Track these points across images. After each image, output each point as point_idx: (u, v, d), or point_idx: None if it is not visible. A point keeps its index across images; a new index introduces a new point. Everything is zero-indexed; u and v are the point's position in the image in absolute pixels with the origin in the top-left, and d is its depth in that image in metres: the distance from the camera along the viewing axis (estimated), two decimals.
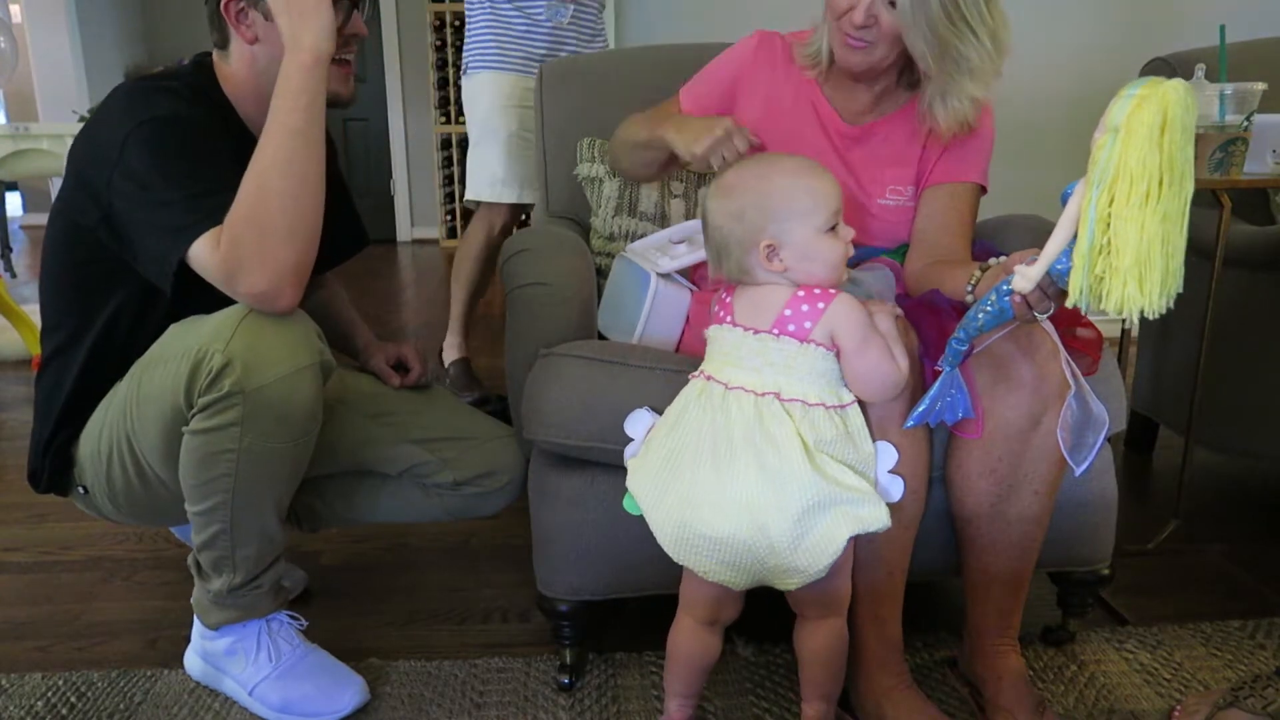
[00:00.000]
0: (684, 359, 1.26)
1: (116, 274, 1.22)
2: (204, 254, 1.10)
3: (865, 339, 1.06)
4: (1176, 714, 1.24)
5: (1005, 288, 1.01)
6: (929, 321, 1.20)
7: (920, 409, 1.09)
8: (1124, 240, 0.86)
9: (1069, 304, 0.92)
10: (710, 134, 1.24)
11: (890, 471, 1.10)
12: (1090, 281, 0.89)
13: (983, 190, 1.44)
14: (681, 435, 1.09)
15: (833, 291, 1.08)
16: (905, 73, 1.39)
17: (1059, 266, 0.94)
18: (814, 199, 1.08)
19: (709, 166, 1.26)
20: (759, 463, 1.02)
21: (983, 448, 1.19)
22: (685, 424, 1.09)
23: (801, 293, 1.08)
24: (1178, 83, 0.84)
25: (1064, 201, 0.93)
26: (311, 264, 1.14)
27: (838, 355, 1.07)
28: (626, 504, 1.14)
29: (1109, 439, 1.33)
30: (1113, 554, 1.37)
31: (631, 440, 1.18)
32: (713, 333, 1.14)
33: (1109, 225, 0.87)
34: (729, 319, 1.11)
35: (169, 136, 1.15)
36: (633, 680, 1.37)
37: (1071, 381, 1.15)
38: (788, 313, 1.07)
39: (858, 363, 1.07)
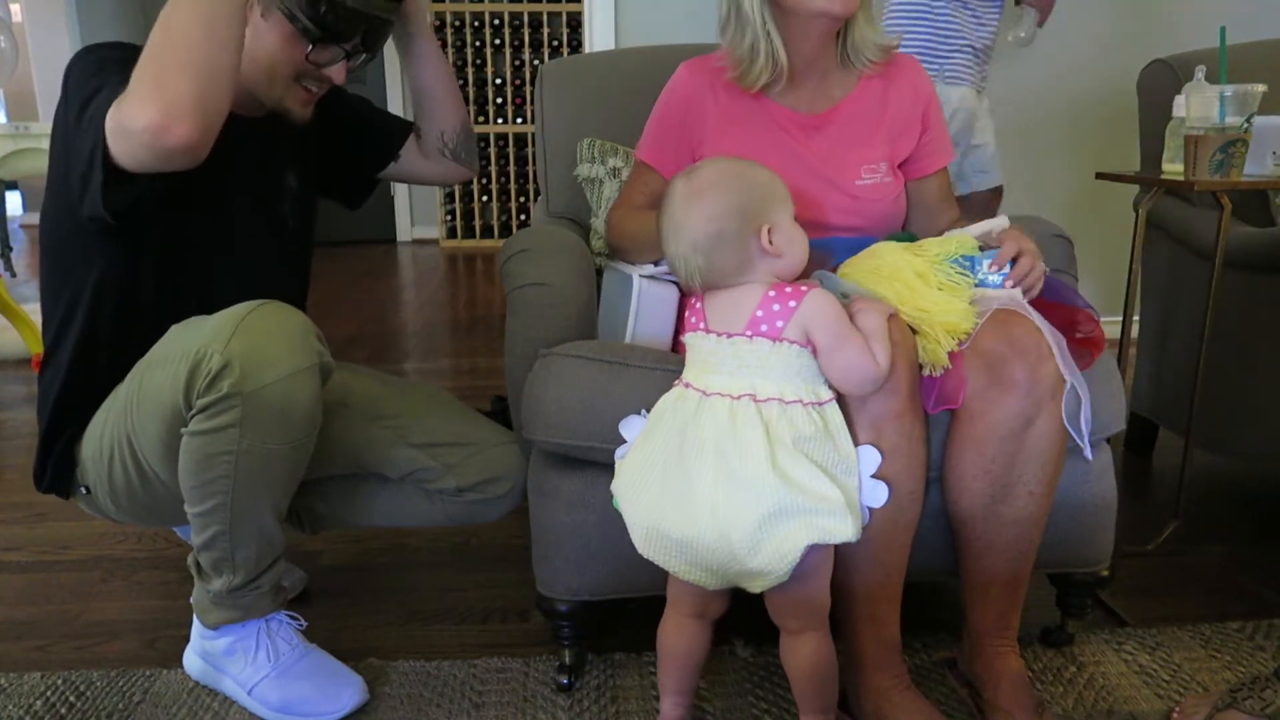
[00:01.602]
0: (684, 360, 1.26)
1: (90, 252, 1.23)
2: (111, 117, 1.04)
3: (839, 335, 1.06)
4: (1175, 715, 1.24)
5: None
6: None
7: None
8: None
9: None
10: None
11: (874, 476, 1.10)
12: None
13: None
14: (655, 441, 1.10)
15: (804, 289, 1.08)
16: (841, 50, 1.45)
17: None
18: (784, 189, 1.14)
19: None
20: (726, 468, 1.03)
21: (976, 449, 1.19)
22: (659, 429, 1.11)
23: (773, 292, 1.08)
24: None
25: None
26: (217, 112, 1.08)
27: (813, 352, 1.08)
28: (615, 503, 1.15)
29: (1109, 440, 1.33)
30: (1112, 555, 1.37)
31: (625, 442, 1.18)
32: (689, 340, 1.15)
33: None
34: (702, 325, 1.12)
35: (106, 55, 1.17)
36: (632, 681, 1.37)
37: (1069, 376, 1.16)
38: (759, 313, 1.07)
39: (834, 358, 1.07)
